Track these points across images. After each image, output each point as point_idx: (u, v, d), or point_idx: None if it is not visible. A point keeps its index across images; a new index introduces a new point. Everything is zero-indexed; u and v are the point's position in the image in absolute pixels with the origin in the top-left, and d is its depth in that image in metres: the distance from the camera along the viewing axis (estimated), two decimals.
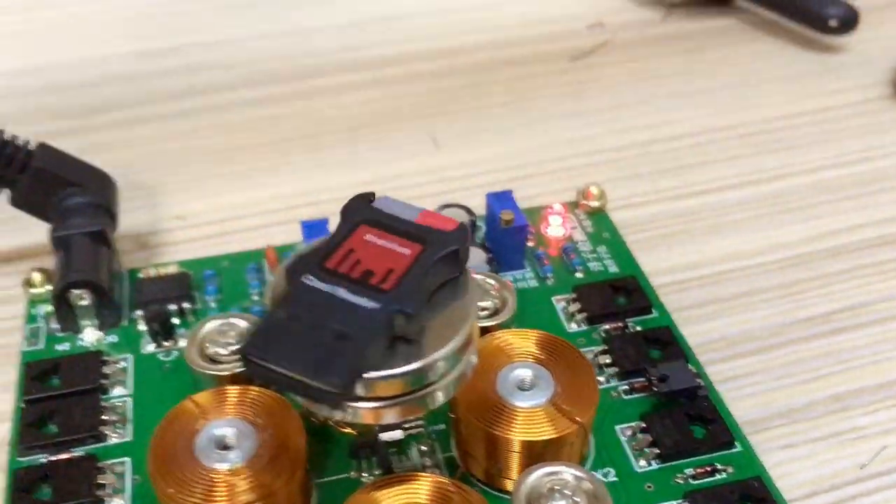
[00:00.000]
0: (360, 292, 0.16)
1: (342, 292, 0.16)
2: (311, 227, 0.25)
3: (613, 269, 0.26)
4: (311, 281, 0.16)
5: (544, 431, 0.19)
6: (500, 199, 0.25)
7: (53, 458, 0.20)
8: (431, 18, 0.40)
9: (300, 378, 0.15)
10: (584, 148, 0.32)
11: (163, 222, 0.29)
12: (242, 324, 0.22)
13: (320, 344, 0.15)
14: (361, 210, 0.18)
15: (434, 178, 0.31)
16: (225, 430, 0.19)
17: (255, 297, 0.25)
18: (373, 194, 0.19)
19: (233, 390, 0.19)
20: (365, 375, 0.16)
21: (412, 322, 0.16)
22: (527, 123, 0.34)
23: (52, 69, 0.37)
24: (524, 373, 0.20)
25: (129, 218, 0.28)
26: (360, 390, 0.16)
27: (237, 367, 0.21)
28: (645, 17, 0.40)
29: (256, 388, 0.19)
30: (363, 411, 0.17)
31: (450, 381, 0.17)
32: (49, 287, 0.25)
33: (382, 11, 0.41)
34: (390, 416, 0.17)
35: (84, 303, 0.23)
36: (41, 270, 0.25)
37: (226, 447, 0.19)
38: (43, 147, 0.25)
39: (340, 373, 0.15)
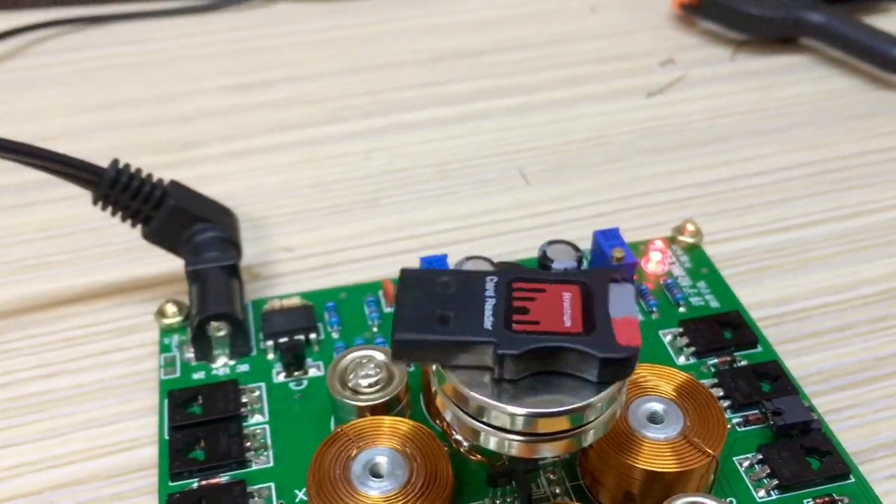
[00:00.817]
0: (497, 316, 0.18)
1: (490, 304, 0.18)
2: (431, 262, 0.26)
3: (714, 304, 0.27)
4: (492, 281, 0.19)
5: (679, 463, 0.20)
6: (608, 237, 0.26)
7: (204, 482, 0.22)
8: (506, 55, 0.42)
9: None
10: (667, 184, 0.34)
11: (271, 254, 0.31)
12: (379, 356, 0.23)
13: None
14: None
15: (527, 212, 0.32)
16: (378, 458, 0.20)
17: (375, 329, 0.26)
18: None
19: (381, 421, 0.21)
20: (533, 411, 0.17)
21: (505, 365, 0.17)
22: (609, 159, 0.35)
23: (149, 103, 0.38)
24: (655, 406, 0.21)
25: None
26: (523, 426, 0.17)
27: (378, 399, 0.22)
28: (714, 54, 0.42)
29: (406, 420, 0.21)
30: (522, 445, 0.18)
31: (605, 420, 0.18)
32: (180, 318, 0.26)
33: (458, 48, 0.42)
34: (546, 452, 0.18)
35: (221, 334, 0.24)
36: (174, 302, 0.26)
37: (378, 475, 0.20)
38: (174, 184, 0.27)
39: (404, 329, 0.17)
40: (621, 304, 0.18)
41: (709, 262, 0.28)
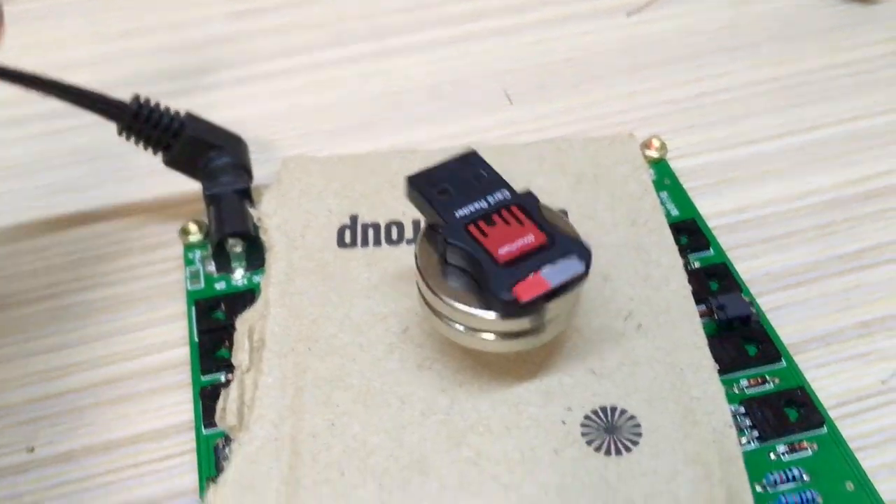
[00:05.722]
0: (469, 205, 0.22)
1: (478, 202, 0.22)
2: None
3: (675, 212, 0.30)
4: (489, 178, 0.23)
5: None
6: None
7: (230, 375, 0.25)
8: None
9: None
10: (641, 101, 0.36)
11: None
12: None
13: (443, 187, 0.22)
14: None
15: (510, 131, 0.35)
16: None
17: None
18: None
19: None
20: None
21: (447, 249, 0.21)
22: (589, 78, 0.38)
23: (161, 31, 0.41)
24: None
25: None
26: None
27: None
28: None
29: None
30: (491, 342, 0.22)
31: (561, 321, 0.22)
32: (201, 236, 0.29)
33: None
34: (517, 346, 0.22)
35: (237, 250, 0.28)
36: (195, 221, 0.29)
37: None
38: (190, 116, 0.30)
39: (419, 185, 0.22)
40: (555, 270, 0.21)
41: (672, 175, 0.31)
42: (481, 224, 0.21)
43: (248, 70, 0.39)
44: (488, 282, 0.21)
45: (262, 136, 0.35)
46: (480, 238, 0.21)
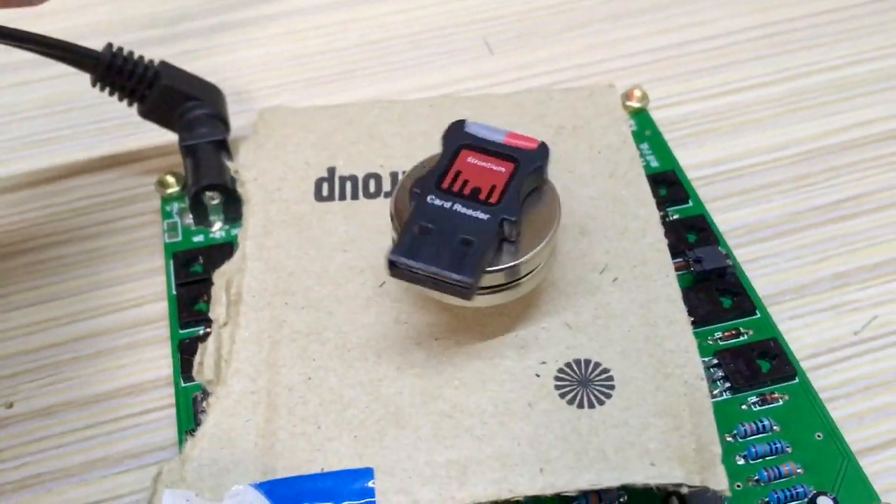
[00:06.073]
0: (473, 206, 0.21)
1: (460, 207, 0.21)
2: None
3: (655, 164, 0.30)
4: (434, 200, 0.21)
5: None
6: None
7: (208, 329, 0.25)
8: None
9: (439, 275, 0.20)
10: (624, 50, 0.36)
11: None
12: None
13: (450, 248, 0.20)
14: (458, 136, 0.22)
15: (490, 81, 0.35)
16: None
17: None
18: (464, 121, 0.23)
19: None
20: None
21: (514, 226, 0.21)
22: (571, 27, 0.37)
23: None
24: None
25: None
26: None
27: None
28: None
29: None
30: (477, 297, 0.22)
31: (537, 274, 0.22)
32: (178, 188, 0.29)
33: None
34: (493, 300, 0.22)
35: (215, 202, 0.28)
36: (172, 173, 0.29)
37: None
38: (165, 65, 0.29)
39: (471, 270, 0.20)
40: (489, 131, 0.22)
41: (653, 125, 0.31)
42: (471, 192, 0.21)
43: (223, 18, 0.38)
44: (530, 168, 0.22)
45: (238, 86, 0.35)
46: (496, 184, 0.21)
